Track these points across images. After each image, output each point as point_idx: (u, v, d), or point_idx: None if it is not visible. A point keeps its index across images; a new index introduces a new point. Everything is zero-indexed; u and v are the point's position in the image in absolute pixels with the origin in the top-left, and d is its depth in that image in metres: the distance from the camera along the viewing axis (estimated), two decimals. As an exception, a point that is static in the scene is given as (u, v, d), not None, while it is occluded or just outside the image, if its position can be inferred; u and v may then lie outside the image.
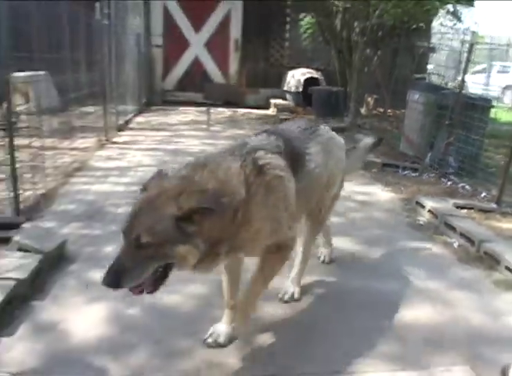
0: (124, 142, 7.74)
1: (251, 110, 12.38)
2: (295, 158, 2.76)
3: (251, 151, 2.54)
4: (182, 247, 2.09)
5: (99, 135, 7.60)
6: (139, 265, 2.06)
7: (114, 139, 7.88)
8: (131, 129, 9.04)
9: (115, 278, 2.03)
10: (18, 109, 9.99)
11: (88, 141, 7.23)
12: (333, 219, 4.66)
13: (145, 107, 11.64)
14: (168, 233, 2.06)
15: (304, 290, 3.33)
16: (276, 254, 2.65)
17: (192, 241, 2.10)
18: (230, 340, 2.72)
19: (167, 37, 13.63)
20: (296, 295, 3.24)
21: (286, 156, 2.65)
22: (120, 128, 8.69)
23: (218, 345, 2.69)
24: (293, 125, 3.17)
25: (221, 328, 2.74)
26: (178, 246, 2.08)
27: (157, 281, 2.18)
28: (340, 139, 3.43)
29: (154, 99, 12.76)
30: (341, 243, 4.13)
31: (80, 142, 6.96)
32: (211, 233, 2.16)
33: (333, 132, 3.39)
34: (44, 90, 9.45)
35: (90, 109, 7.96)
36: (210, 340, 2.70)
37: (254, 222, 2.38)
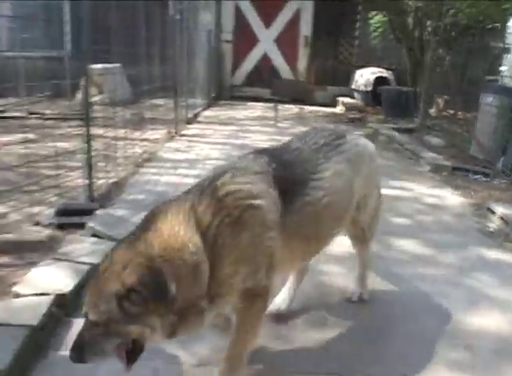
0: (193, 135, 7.87)
1: (318, 108, 12.33)
2: (290, 185, 2.32)
3: (215, 178, 2.15)
4: (133, 328, 1.84)
5: (168, 127, 7.77)
6: (97, 341, 1.86)
7: (183, 132, 8.05)
8: (200, 123, 9.20)
9: (78, 353, 1.89)
10: (92, 100, 10.34)
11: (158, 133, 7.40)
12: (400, 221, 4.64)
13: (213, 102, 11.80)
14: (112, 312, 1.81)
15: (372, 292, 3.29)
16: (250, 306, 2.20)
17: (142, 322, 1.84)
18: None
19: (237, 33, 13.76)
20: (364, 296, 3.16)
21: (276, 182, 2.24)
22: (189, 121, 8.87)
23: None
24: (310, 141, 2.64)
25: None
26: (129, 326, 1.83)
27: (130, 355, 1.92)
28: (371, 149, 2.93)
29: (223, 93, 12.92)
30: (408, 245, 4.08)
31: (150, 134, 7.12)
32: (167, 306, 1.86)
33: (364, 141, 2.93)
34: (117, 82, 9.73)
35: (160, 101, 8.12)
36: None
37: (223, 268, 2.02)
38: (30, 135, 7.26)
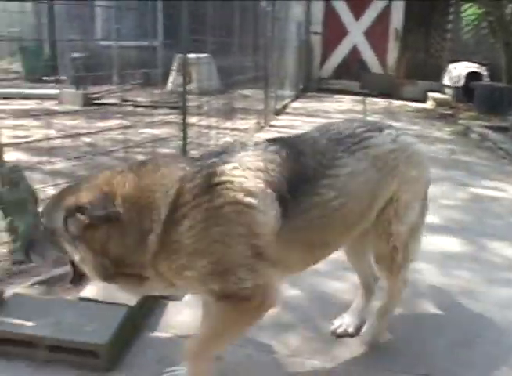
0: (282, 126, 7.90)
1: (407, 103, 12.06)
2: (299, 182, 2.02)
3: (218, 163, 1.97)
4: (68, 247, 1.91)
5: (257, 117, 7.82)
6: (44, 245, 2.01)
7: (272, 123, 8.10)
8: (288, 114, 9.22)
9: (26, 249, 2.09)
10: (180, 89, 10.58)
11: (247, 123, 7.46)
12: (494, 222, 4.46)
13: (301, 93, 11.80)
14: (57, 224, 1.91)
15: (466, 292, 3.18)
16: (229, 305, 1.95)
17: (76, 246, 1.89)
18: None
19: (327, 24, 13.65)
20: (376, 339, 2.61)
21: (282, 179, 1.98)
22: (278, 113, 8.90)
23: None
24: (332, 131, 2.28)
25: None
26: (65, 244, 1.92)
27: (73, 273, 2.04)
28: (416, 149, 2.42)
29: (310, 85, 12.88)
30: (503, 248, 3.90)
31: (239, 124, 7.19)
32: (104, 245, 1.86)
33: (407, 139, 2.41)
34: (206, 72, 9.89)
35: (248, 92, 8.19)
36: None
37: (178, 255, 1.87)
38: (124, 122, 7.50)
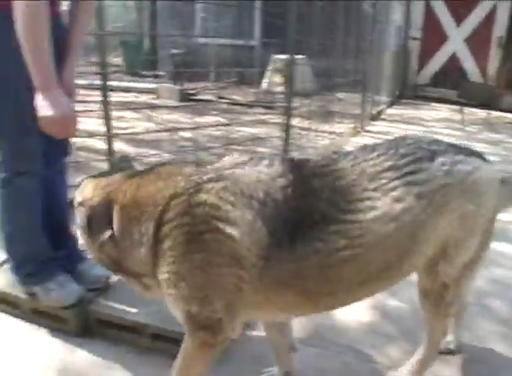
0: (378, 132, 7.76)
1: (507, 114, 11.56)
2: (300, 220, 1.73)
3: (211, 179, 1.78)
4: (88, 240, 1.97)
5: (353, 122, 7.74)
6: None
7: (368, 128, 7.98)
8: (384, 120, 9.05)
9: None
10: (276, 89, 10.65)
11: (342, 127, 7.38)
12: None
13: (396, 100, 11.58)
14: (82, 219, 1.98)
15: None
16: (191, 336, 1.88)
17: (81, 234, 2.00)
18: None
19: (426, 30, 13.30)
20: None
21: (281, 212, 1.73)
22: (374, 118, 8.77)
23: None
24: (369, 158, 1.85)
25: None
26: (86, 236, 1.98)
27: None
28: (478, 179, 1.90)
29: (406, 92, 12.60)
30: None
31: (335, 127, 7.14)
32: (100, 244, 1.91)
33: (467, 167, 1.89)
34: (301, 73, 9.87)
35: (342, 95, 8.12)
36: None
37: (163, 271, 1.80)
38: (220, 119, 7.61)
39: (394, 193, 1.78)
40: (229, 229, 1.69)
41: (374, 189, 1.78)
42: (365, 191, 1.78)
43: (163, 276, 1.79)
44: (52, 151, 2.52)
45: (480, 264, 2.15)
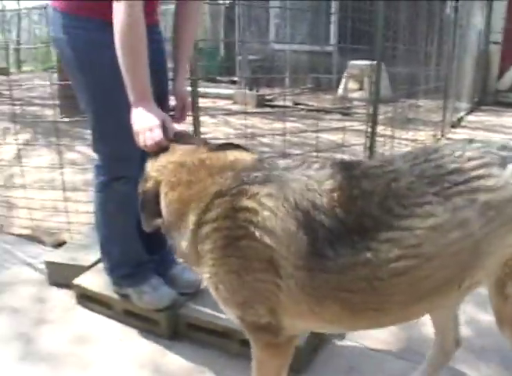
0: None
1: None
2: (344, 229, 1.59)
3: (257, 181, 1.71)
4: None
5: (434, 129, 7.56)
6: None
7: (449, 136, 7.79)
8: (464, 127, 8.82)
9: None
10: (352, 95, 10.57)
11: (422, 134, 7.23)
12: None
13: (476, 106, 11.23)
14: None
15: None
16: (248, 336, 1.90)
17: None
18: None
19: (507, 33, 12.85)
20: None
21: (327, 219, 1.60)
22: (454, 125, 8.56)
23: None
24: (428, 161, 1.65)
25: None
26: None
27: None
28: None
29: (486, 98, 12.21)
30: None
31: (411, 135, 7.00)
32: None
33: None
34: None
35: (422, 102, 7.95)
36: None
37: (205, 270, 1.80)
38: (298, 125, 7.61)
39: (458, 199, 1.57)
40: (266, 238, 1.63)
41: (435, 194, 1.58)
42: (425, 195, 1.58)
43: (205, 275, 1.80)
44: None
45: None
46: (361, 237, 1.57)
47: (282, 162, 1.82)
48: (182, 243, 1.85)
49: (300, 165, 1.76)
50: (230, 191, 1.71)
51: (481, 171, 1.59)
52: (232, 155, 1.87)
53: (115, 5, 2.02)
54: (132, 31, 2.03)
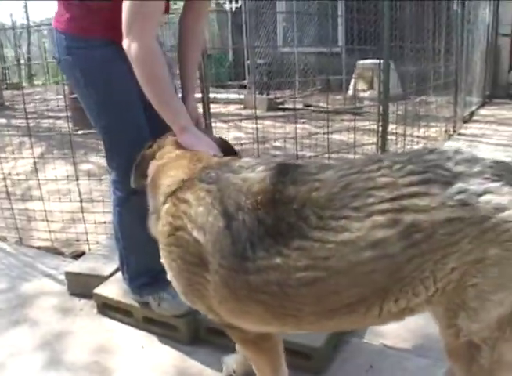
0: (472, 135, 7.56)
1: None
2: (264, 232, 1.59)
3: (207, 180, 1.79)
4: None
5: (445, 125, 7.56)
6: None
7: (461, 131, 7.79)
8: (476, 122, 8.79)
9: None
10: (362, 95, 10.55)
11: (434, 130, 7.23)
12: None
13: (488, 100, 11.18)
14: None
15: None
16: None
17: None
18: None
19: (517, 26, 12.76)
20: None
21: (251, 220, 1.62)
22: (465, 120, 8.54)
23: None
24: (361, 173, 1.57)
25: None
26: None
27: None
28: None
29: (498, 91, 12.13)
30: None
31: (423, 131, 6.99)
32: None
33: (502, 200, 1.41)
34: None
35: (431, 99, 7.93)
36: None
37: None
38: (308, 126, 7.62)
39: (379, 218, 1.47)
40: (195, 232, 1.70)
41: (355, 208, 1.50)
42: (344, 208, 1.51)
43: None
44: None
45: None
46: (275, 242, 1.57)
47: (239, 163, 1.84)
48: (151, 212, 2.04)
49: (249, 167, 1.77)
50: (186, 182, 1.82)
51: (415, 189, 1.47)
52: (204, 154, 2.02)
53: (124, 42, 2.03)
54: (149, 64, 2.04)
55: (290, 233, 1.55)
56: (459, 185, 1.44)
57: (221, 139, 2.27)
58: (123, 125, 2.41)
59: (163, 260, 1.92)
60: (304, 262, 1.53)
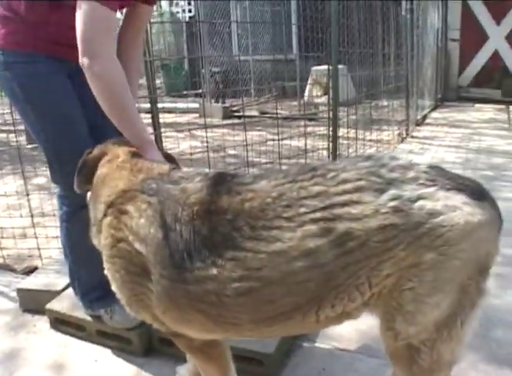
0: (424, 137, 7.73)
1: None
2: (200, 242, 1.60)
3: (147, 191, 1.78)
4: None
5: (398, 128, 7.71)
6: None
7: (413, 134, 7.96)
8: (429, 125, 9.00)
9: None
10: (316, 100, 10.67)
11: (386, 134, 7.35)
12: None
13: (439, 103, 11.45)
14: None
15: None
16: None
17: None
18: None
19: (464, 30, 13.09)
20: None
21: (188, 230, 1.62)
22: (418, 123, 8.74)
23: None
24: (294, 182, 1.58)
25: None
26: None
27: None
28: (447, 221, 1.43)
29: (449, 94, 12.43)
30: None
31: (376, 135, 7.11)
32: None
33: (436, 206, 1.45)
34: (341, 83, 9.86)
35: (385, 103, 8.08)
36: None
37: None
38: (264, 133, 7.65)
39: (312, 227, 1.48)
40: (137, 244, 1.70)
41: (288, 218, 1.51)
42: (276, 219, 1.52)
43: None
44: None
45: (466, 325, 1.60)
46: (211, 253, 1.58)
47: (180, 174, 1.85)
48: (92, 224, 1.99)
49: (188, 177, 1.78)
50: (127, 193, 1.80)
51: (348, 197, 1.48)
52: (158, 165, 1.96)
53: (83, 59, 1.97)
54: (112, 80, 2.02)
55: (224, 244, 1.57)
56: (392, 191, 1.47)
57: (166, 152, 2.28)
58: (64, 139, 2.38)
59: (106, 272, 1.89)
60: (238, 273, 1.55)
